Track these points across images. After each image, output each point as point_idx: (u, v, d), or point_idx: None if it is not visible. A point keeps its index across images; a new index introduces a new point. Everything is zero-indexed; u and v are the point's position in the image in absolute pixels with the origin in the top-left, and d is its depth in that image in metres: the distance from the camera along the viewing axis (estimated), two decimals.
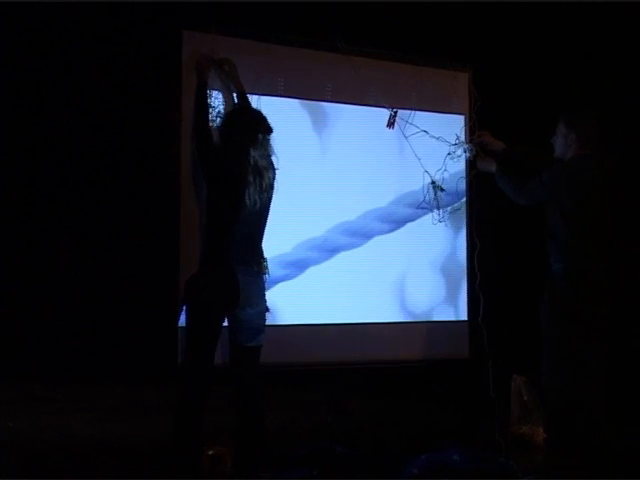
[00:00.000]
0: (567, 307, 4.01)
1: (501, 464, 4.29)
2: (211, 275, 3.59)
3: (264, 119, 3.74)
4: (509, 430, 4.74)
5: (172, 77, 4.05)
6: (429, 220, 4.82)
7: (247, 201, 3.60)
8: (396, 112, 4.67)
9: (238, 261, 3.61)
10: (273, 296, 4.13)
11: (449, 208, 4.86)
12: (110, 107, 4.67)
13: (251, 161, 3.63)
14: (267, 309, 3.79)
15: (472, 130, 4.80)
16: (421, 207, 4.77)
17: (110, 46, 4.48)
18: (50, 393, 6.03)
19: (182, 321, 3.77)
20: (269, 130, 3.74)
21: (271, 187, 3.73)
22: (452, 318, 4.92)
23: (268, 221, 3.80)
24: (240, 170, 3.61)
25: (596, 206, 4.07)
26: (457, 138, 4.77)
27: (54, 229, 6.21)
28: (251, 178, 3.61)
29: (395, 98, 4.74)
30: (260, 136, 3.69)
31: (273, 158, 3.79)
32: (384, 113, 4.69)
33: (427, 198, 4.76)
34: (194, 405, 3.53)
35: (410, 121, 4.69)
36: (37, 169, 6.17)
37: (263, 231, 3.76)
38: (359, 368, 4.68)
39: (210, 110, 3.93)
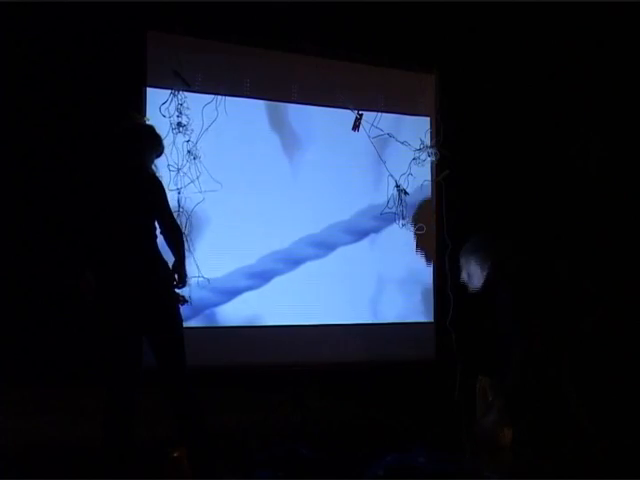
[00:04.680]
0: None
1: (466, 465, 4.31)
2: (110, 286, 3.47)
3: (158, 138, 3.65)
4: (474, 431, 4.76)
5: (136, 77, 4.03)
6: (396, 226, 4.85)
7: (129, 210, 3.46)
8: (361, 115, 4.68)
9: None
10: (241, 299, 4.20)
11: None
12: (70, 108, 4.60)
13: (132, 178, 3.49)
14: (181, 301, 3.64)
15: (438, 131, 4.83)
16: (385, 212, 4.80)
17: (73, 46, 4.42)
18: (9, 396, 5.95)
19: None
20: (162, 150, 3.68)
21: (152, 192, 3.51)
22: (419, 320, 4.95)
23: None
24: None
25: None
26: (421, 142, 4.79)
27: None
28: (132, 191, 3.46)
29: (362, 100, 4.76)
30: (152, 156, 3.63)
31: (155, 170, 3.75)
32: (350, 117, 4.70)
33: (390, 203, 4.78)
34: (118, 408, 3.50)
35: (376, 124, 4.71)
36: None
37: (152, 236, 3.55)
38: (325, 369, 4.68)
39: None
